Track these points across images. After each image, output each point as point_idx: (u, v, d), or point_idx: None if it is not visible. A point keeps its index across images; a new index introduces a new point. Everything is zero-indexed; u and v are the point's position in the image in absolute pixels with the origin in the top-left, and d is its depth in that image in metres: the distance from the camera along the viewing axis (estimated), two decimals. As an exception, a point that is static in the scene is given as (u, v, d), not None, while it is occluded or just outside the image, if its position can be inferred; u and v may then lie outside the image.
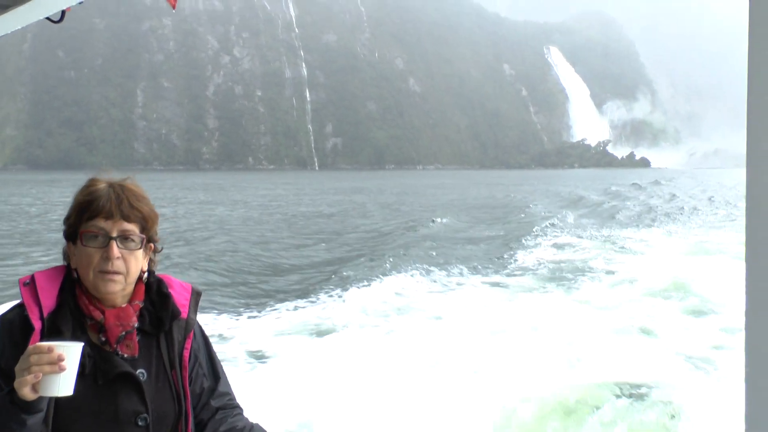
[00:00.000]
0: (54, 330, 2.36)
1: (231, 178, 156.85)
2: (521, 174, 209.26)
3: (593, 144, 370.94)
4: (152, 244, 2.58)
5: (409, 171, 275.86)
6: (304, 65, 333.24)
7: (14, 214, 46.46)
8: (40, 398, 2.15)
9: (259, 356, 12.50)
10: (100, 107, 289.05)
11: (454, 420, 9.11)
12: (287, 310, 16.24)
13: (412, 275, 20.49)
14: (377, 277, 20.10)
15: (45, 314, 2.38)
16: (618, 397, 9.93)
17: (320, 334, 13.75)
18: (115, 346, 2.42)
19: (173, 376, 2.52)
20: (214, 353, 2.74)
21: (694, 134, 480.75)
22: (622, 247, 28.27)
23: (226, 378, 2.72)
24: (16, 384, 2.13)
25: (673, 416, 9.29)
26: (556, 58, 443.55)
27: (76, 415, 2.32)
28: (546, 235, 32.99)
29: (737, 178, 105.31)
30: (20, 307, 2.43)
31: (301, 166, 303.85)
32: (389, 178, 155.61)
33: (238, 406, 2.73)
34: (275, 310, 16.28)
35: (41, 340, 2.30)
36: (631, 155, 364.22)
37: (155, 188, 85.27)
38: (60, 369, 2.11)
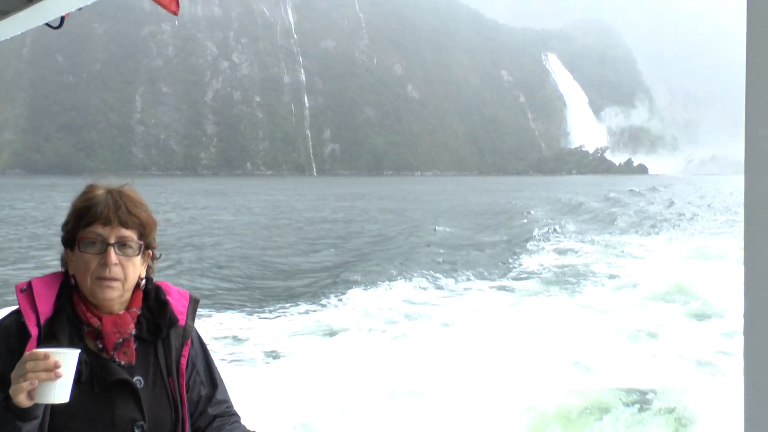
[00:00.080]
0: (51, 337, 2.34)
1: (230, 183, 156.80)
2: (520, 180, 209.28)
3: (591, 150, 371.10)
4: (150, 251, 2.56)
5: (407, 177, 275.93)
6: (302, 71, 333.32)
7: (20, 218, 46.76)
8: (36, 405, 2.13)
9: (273, 356, 12.76)
10: (98, 112, 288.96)
11: (460, 424, 9.21)
12: (299, 313, 16.49)
13: (418, 280, 20.69)
14: (384, 282, 20.30)
15: (42, 321, 2.36)
16: (624, 401, 10.00)
17: (330, 337, 13.98)
18: (112, 353, 2.41)
19: (170, 383, 2.50)
20: (212, 361, 2.72)
21: (691, 141, 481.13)
22: (623, 252, 28.58)
23: (223, 386, 2.70)
24: (11, 391, 2.11)
25: (678, 419, 9.39)
26: (554, 64, 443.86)
27: (72, 422, 2.30)
28: (548, 240, 33.31)
29: (735, 185, 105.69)
30: (17, 313, 2.42)
31: (300, 172, 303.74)
32: (388, 184, 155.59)
33: (235, 414, 2.71)
34: (285, 314, 16.52)
35: (38, 346, 2.28)
36: (629, 162, 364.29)
37: (156, 194, 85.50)
38: (56, 376, 2.09)
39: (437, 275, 21.86)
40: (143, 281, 2.54)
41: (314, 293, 19.00)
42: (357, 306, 16.80)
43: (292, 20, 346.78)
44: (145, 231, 2.49)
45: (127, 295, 2.48)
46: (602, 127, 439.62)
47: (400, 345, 13.35)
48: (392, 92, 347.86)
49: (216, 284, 20.89)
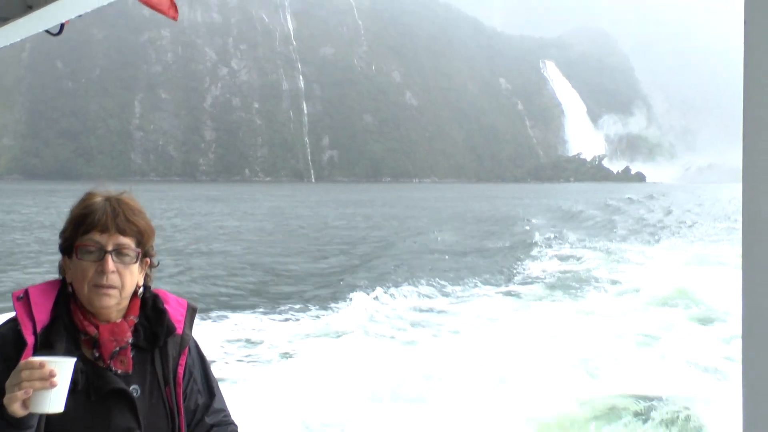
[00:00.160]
0: (47, 345, 2.32)
1: (229, 189, 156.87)
2: (518, 188, 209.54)
3: (589, 158, 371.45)
4: (148, 259, 2.55)
5: (405, 184, 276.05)
6: (301, 78, 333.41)
7: (25, 223, 47.00)
8: (31, 415, 2.12)
9: (285, 356, 13.11)
10: (97, 118, 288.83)
11: (466, 430, 9.40)
12: (312, 317, 16.80)
13: (425, 288, 20.89)
14: (391, 287, 20.55)
15: (38, 329, 2.35)
16: (631, 408, 10.13)
17: (337, 341, 14.22)
18: (108, 361, 2.39)
19: (167, 392, 2.49)
20: (210, 369, 2.71)
21: (689, 149, 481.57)
22: (624, 258, 28.91)
23: (221, 394, 2.69)
24: (6, 400, 2.09)
25: (684, 426, 9.53)
26: (551, 72, 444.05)
27: (68, 431, 2.27)
28: (550, 246, 33.62)
29: (733, 192, 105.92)
30: (13, 321, 2.39)
31: (298, 179, 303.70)
32: (387, 191, 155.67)
33: (232, 423, 2.70)
34: (295, 317, 16.84)
35: (34, 355, 2.27)
36: (627, 170, 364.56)
37: (158, 200, 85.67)
38: (51, 385, 2.08)
39: (443, 282, 22.10)
40: (141, 289, 2.52)
41: (323, 298, 19.29)
42: (364, 312, 16.97)
43: (291, 27, 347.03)
44: (143, 239, 2.47)
45: (125, 303, 2.46)
46: (600, 135, 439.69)
47: (406, 351, 13.55)
48: (391, 99, 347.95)
49: (227, 290, 21.16)
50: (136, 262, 2.45)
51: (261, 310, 17.63)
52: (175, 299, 2.63)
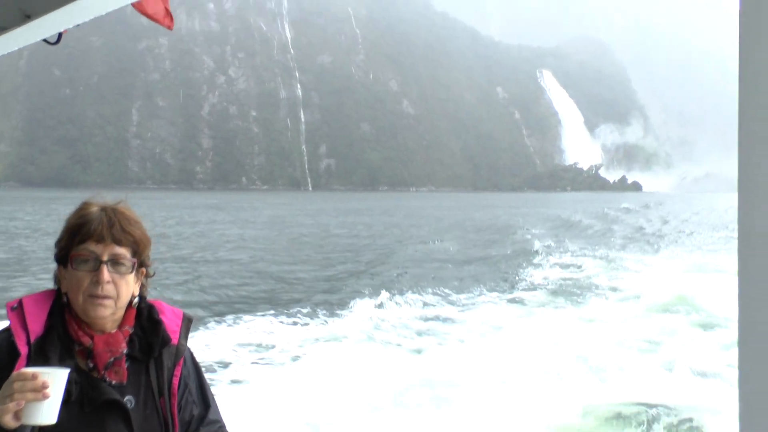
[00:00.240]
0: (41, 355, 2.32)
1: (227, 197, 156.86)
2: (516, 197, 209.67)
3: (585, 167, 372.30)
4: (144, 269, 2.54)
5: (402, 193, 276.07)
6: (298, 86, 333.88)
7: (30, 230, 47.25)
8: (23, 426, 2.10)
9: (294, 360, 13.35)
10: (95, 125, 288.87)
11: None
12: (320, 324, 17.04)
13: (430, 297, 21.05)
14: (396, 295, 20.74)
15: (32, 339, 2.34)
16: (636, 414, 10.18)
17: (342, 347, 14.40)
18: (103, 372, 2.38)
19: (161, 403, 2.48)
20: (205, 380, 2.70)
21: (685, 158, 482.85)
22: (623, 267, 29.21)
23: (216, 405, 2.68)
24: None
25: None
26: (549, 82, 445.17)
27: None
28: (551, 255, 33.92)
29: (729, 202, 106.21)
30: (7, 331, 2.39)
31: (295, 187, 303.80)
32: (385, 200, 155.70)
33: None
34: (302, 323, 17.12)
35: (27, 365, 2.26)
36: (623, 179, 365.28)
37: (158, 208, 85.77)
38: (44, 396, 2.07)
39: (447, 291, 22.30)
40: (136, 299, 2.52)
41: (331, 304, 19.54)
42: (369, 320, 17.13)
43: (288, 35, 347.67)
44: (138, 249, 2.47)
45: (120, 313, 2.46)
46: (597, 144, 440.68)
47: (411, 358, 13.68)
48: (388, 108, 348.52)
49: (238, 297, 21.43)
50: (131, 272, 2.44)
51: (271, 314, 17.89)
52: (170, 309, 2.63)
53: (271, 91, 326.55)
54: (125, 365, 2.42)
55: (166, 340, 2.52)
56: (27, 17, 2.81)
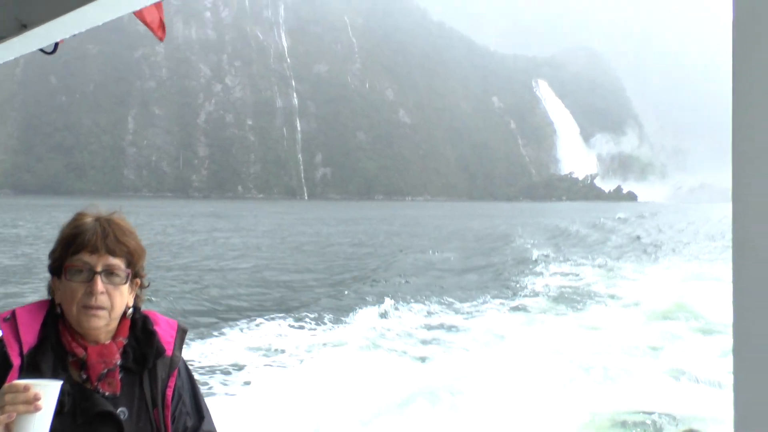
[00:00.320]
0: (34, 367, 2.31)
1: (224, 206, 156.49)
2: (512, 206, 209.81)
3: (581, 177, 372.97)
4: (138, 280, 2.53)
5: (398, 202, 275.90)
6: (295, 95, 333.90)
7: (33, 237, 47.41)
8: None
9: (300, 363, 13.73)
10: (90, 133, 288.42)
11: None
12: (326, 330, 17.35)
13: (434, 306, 21.32)
14: (401, 303, 21.08)
15: (25, 350, 2.33)
16: (641, 422, 10.29)
17: (348, 354, 14.63)
18: (96, 383, 2.37)
19: (155, 414, 2.47)
20: (199, 391, 2.69)
21: (680, 168, 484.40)
22: (621, 275, 29.58)
23: (210, 417, 2.67)
24: None
25: None
26: (544, 91, 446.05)
27: None
28: (551, 263, 34.26)
29: (724, 212, 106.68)
30: (0, 343, 2.37)
31: (291, 196, 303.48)
32: (382, 209, 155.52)
33: None
34: (308, 329, 17.40)
35: (20, 377, 2.25)
36: (619, 189, 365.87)
37: (155, 216, 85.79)
38: (35, 409, 2.05)
39: (450, 299, 22.57)
40: (130, 310, 2.51)
41: (336, 310, 19.81)
42: (373, 329, 17.30)
43: (285, 44, 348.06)
44: (133, 259, 2.46)
45: (114, 324, 2.44)
46: (592, 154, 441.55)
47: (416, 365, 13.91)
48: (384, 117, 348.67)
49: (246, 305, 21.70)
50: (125, 282, 2.43)
51: (280, 319, 18.18)
52: (165, 320, 2.62)
53: (267, 99, 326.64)
54: (119, 376, 2.41)
55: (160, 351, 2.50)
56: (23, 27, 2.81)
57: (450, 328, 18.06)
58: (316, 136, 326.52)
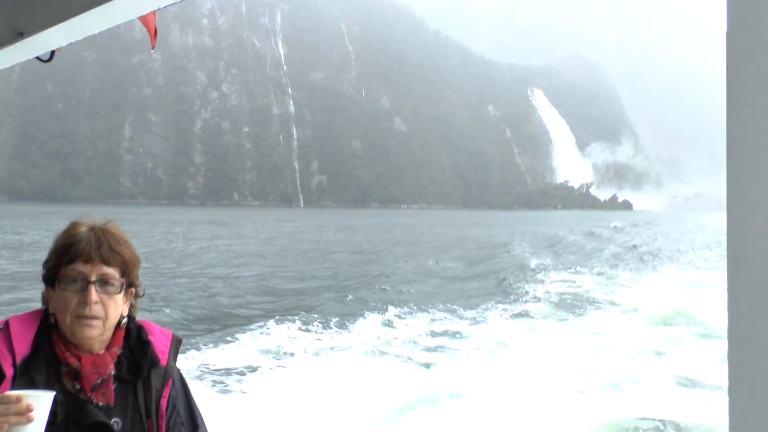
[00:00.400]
0: (26, 377, 2.29)
1: (220, 213, 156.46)
2: (508, 215, 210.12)
3: (576, 186, 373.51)
4: (133, 289, 2.52)
5: (393, 210, 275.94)
6: (291, 102, 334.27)
7: (37, 243, 47.53)
8: None
9: (307, 368, 13.92)
10: (86, 140, 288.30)
11: None
12: (330, 336, 17.57)
13: (437, 313, 21.55)
14: (405, 308, 21.36)
15: (18, 360, 2.31)
16: (648, 429, 10.33)
17: (351, 359, 14.79)
18: (89, 394, 2.35)
19: (149, 424, 2.46)
20: (194, 401, 2.67)
21: (674, 178, 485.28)
22: (620, 283, 29.96)
23: (204, 426, 2.66)
24: None
25: None
26: (539, 100, 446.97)
27: None
28: (551, 271, 34.60)
29: (719, 221, 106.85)
30: None
31: (286, 203, 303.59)
32: (378, 217, 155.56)
33: None
34: (313, 335, 17.69)
35: (12, 387, 2.24)
36: (614, 198, 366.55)
37: (153, 224, 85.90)
38: (28, 420, 2.03)
39: (454, 306, 22.85)
40: (125, 320, 2.49)
41: (341, 316, 20.09)
42: (378, 337, 17.44)
43: (282, 52, 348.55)
44: (127, 269, 2.45)
45: (108, 333, 2.43)
46: (587, 163, 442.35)
47: (420, 372, 14.03)
48: (380, 125, 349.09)
49: (253, 311, 21.99)
50: (120, 292, 2.42)
51: (289, 324, 18.46)
52: (159, 330, 2.61)
53: (263, 107, 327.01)
54: (113, 387, 2.40)
55: (154, 361, 2.49)
56: (20, 35, 2.80)
57: (454, 334, 18.22)
58: (312, 143, 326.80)
